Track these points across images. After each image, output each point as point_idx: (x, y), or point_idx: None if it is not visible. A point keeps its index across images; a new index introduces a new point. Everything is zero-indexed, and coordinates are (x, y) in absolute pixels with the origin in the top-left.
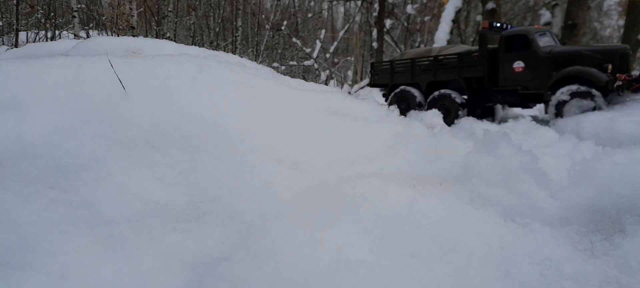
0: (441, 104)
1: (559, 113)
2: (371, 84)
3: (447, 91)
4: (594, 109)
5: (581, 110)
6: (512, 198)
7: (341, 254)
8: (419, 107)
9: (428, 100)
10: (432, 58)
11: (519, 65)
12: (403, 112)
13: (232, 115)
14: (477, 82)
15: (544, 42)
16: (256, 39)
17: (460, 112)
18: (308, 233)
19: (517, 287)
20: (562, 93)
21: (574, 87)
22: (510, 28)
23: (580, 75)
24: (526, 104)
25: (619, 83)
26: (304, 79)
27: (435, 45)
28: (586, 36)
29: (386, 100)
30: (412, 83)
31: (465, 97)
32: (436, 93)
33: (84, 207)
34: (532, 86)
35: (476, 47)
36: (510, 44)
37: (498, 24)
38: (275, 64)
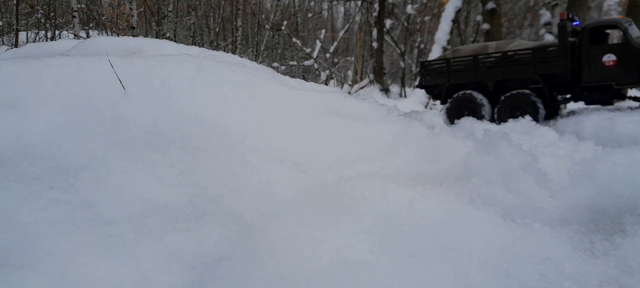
0: (517, 105)
1: None
2: (421, 86)
3: (525, 91)
4: None
5: None
6: (512, 198)
7: (341, 254)
8: (483, 113)
9: (500, 100)
10: (500, 54)
11: (609, 58)
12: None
13: (232, 115)
14: (558, 78)
15: (634, 32)
16: (256, 39)
17: (541, 113)
18: (308, 233)
19: (517, 287)
20: None
21: None
22: (576, 21)
23: None
24: (612, 100)
25: None
26: (304, 79)
27: (492, 43)
28: None
29: (442, 103)
30: (475, 83)
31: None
32: (510, 93)
33: (84, 207)
34: (625, 81)
35: (548, 42)
36: (596, 36)
37: (572, 16)
38: (275, 64)
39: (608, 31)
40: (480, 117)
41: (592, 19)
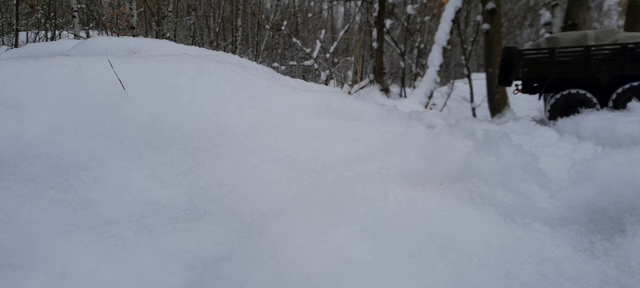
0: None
1: None
2: (517, 77)
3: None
4: None
5: None
6: (512, 198)
7: (341, 254)
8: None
9: (613, 97)
10: (618, 45)
11: None
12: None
13: (232, 115)
14: None
15: None
16: (256, 39)
17: None
18: (308, 233)
19: (517, 287)
20: None
21: None
22: None
23: None
24: None
25: None
26: (304, 79)
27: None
28: None
29: (542, 99)
30: (582, 78)
31: None
32: (625, 86)
33: (84, 207)
34: None
35: None
36: None
37: None
38: (275, 64)
39: None
40: None
41: None
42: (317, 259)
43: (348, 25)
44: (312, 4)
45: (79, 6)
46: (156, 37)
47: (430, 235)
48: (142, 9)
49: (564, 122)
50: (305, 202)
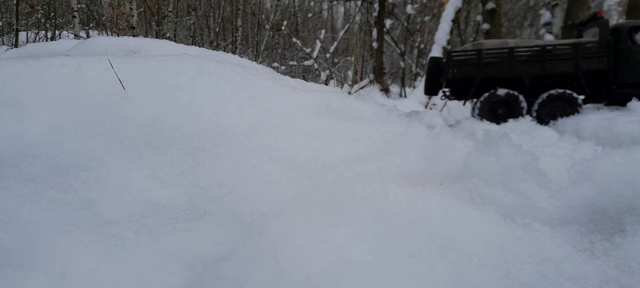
0: (557, 105)
1: None
2: (448, 78)
3: (566, 91)
4: None
5: None
6: (512, 198)
7: (341, 254)
8: (522, 112)
9: (543, 100)
10: (538, 47)
11: None
12: (503, 118)
13: (232, 115)
14: (598, 75)
15: None
16: (256, 39)
17: (580, 113)
18: (308, 233)
19: (517, 287)
20: None
21: None
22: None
23: None
24: None
25: None
26: (304, 79)
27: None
28: None
29: (470, 99)
30: (507, 79)
31: (582, 96)
32: (553, 92)
33: (84, 207)
34: None
35: (583, 40)
36: (633, 35)
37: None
38: (275, 64)
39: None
40: (518, 116)
41: (630, 20)
42: (317, 259)
43: (348, 25)
44: (312, 4)
45: (79, 6)
46: (156, 37)
47: (430, 235)
48: (142, 9)
49: (564, 122)
50: (305, 202)
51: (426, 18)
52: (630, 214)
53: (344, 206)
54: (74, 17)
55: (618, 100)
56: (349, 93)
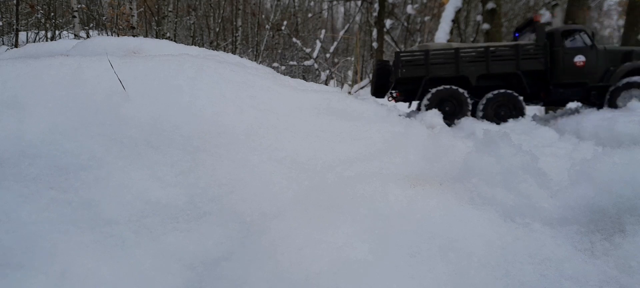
0: (501, 104)
1: (612, 102)
2: (397, 77)
3: (508, 91)
4: None
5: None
6: (512, 198)
7: (341, 254)
8: (467, 110)
9: (485, 101)
10: (482, 48)
11: (580, 59)
12: (449, 116)
13: (232, 115)
14: (537, 76)
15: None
16: (256, 39)
17: (525, 113)
18: (308, 233)
19: (517, 287)
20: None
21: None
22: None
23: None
24: (587, 98)
25: None
26: (304, 79)
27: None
28: None
29: (416, 99)
30: (456, 78)
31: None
32: (495, 92)
33: (84, 207)
34: (593, 80)
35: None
36: (566, 39)
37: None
38: (275, 64)
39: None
40: (463, 114)
41: (562, 25)
42: (317, 259)
43: (348, 25)
44: (312, 4)
45: (79, 6)
46: (156, 37)
47: (430, 235)
48: (142, 9)
49: (564, 122)
50: (305, 202)
51: (426, 18)
52: (630, 214)
53: (344, 206)
54: (74, 17)
55: (555, 100)
56: (349, 93)
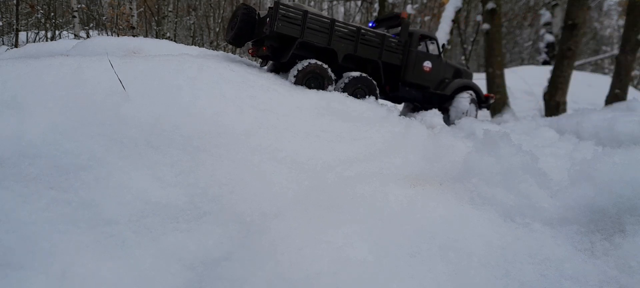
0: (359, 87)
1: (445, 109)
2: (271, 31)
3: (368, 77)
4: (471, 114)
5: (461, 113)
6: (512, 198)
7: (341, 254)
8: (329, 88)
9: (346, 82)
10: (355, 28)
11: (428, 64)
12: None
13: (232, 115)
14: (392, 69)
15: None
16: None
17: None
18: (308, 233)
19: (517, 287)
20: (463, 98)
21: (467, 95)
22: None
23: (470, 87)
24: (427, 101)
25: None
26: None
27: None
28: (586, 36)
29: (283, 61)
30: (325, 51)
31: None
32: (355, 74)
33: (84, 207)
34: (433, 86)
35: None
36: (421, 43)
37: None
38: None
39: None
40: (325, 87)
41: (422, 29)
42: (317, 259)
43: None
44: (312, 3)
45: (79, 6)
46: (156, 37)
47: (430, 235)
48: (142, 9)
49: (564, 122)
50: (305, 202)
51: (426, 18)
52: (630, 214)
53: (344, 206)
54: (74, 17)
55: (398, 97)
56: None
